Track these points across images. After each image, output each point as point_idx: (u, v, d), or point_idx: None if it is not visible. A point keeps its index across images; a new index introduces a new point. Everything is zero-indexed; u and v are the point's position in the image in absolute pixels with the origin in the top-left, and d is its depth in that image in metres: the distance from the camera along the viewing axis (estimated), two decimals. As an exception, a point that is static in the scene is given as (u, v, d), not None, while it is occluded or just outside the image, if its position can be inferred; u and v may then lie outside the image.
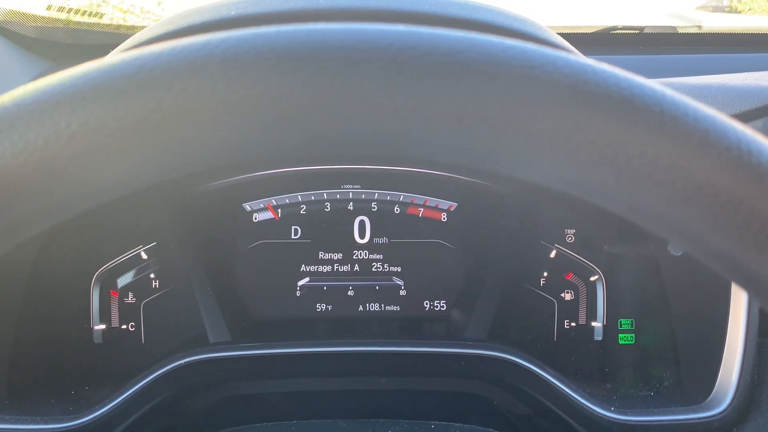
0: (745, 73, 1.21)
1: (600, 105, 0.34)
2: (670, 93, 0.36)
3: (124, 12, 1.76)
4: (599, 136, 0.35)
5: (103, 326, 1.20)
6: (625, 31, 1.69)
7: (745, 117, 1.02)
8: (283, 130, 0.37)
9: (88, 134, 0.35)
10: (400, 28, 0.37)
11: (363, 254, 1.28)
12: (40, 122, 0.34)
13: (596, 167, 0.36)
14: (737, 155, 0.35)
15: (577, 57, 0.37)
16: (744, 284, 0.41)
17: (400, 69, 0.35)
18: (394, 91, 0.34)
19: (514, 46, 0.36)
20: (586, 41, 1.64)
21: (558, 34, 0.88)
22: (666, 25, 1.80)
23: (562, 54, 0.37)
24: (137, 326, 1.22)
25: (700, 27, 1.79)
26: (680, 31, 1.75)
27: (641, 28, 1.70)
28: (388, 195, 1.28)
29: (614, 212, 0.41)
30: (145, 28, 0.86)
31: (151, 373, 0.98)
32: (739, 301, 0.96)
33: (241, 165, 1.14)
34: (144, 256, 1.20)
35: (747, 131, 0.36)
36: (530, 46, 0.37)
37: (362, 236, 1.28)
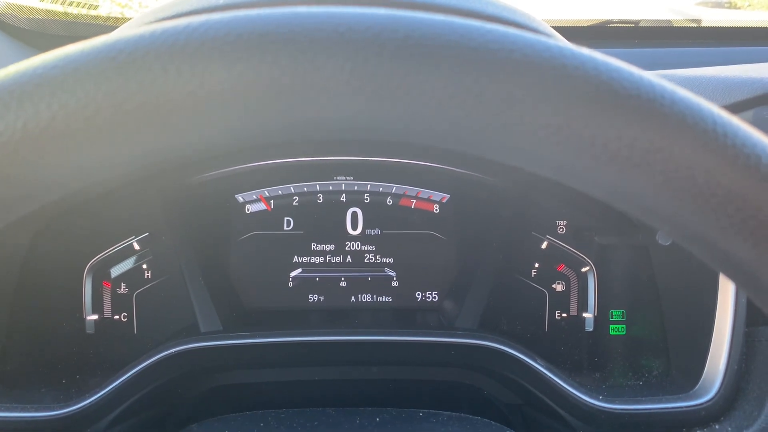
0: (738, 65, 1.22)
1: (577, 88, 0.35)
2: (648, 77, 0.37)
3: (122, 6, 1.75)
4: (576, 118, 0.35)
5: (95, 316, 1.20)
6: (620, 25, 1.69)
7: (735, 108, 1.03)
8: (267, 115, 0.37)
9: (69, 116, 0.35)
10: (383, 11, 0.37)
11: (355, 245, 1.28)
12: (20, 104, 0.34)
13: (574, 150, 0.36)
14: (713, 137, 0.36)
15: (557, 41, 0.37)
16: (722, 269, 0.42)
17: (380, 51, 0.35)
18: (369, 73, 0.35)
19: (493, 29, 0.37)
20: (582, 34, 1.65)
21: (554, 26, 0.88)
22: (662, 18, 1.80)
23: (542, 38, 0.37)
24: (129, 316, 1.22)
25: (696, 21, 1.79)
26: (676, 24, 1.76)
27: (637, 22, 1.70)
28: (381, 186, 1.28)
29: (597, 197, 0.41)
30: (132, 19, 0.86)
31: (143, 362, 0.99)
32: (726, 291, 0.97)
33: (227, 153, 1.14)
34: (136, 246, 1.20)
35: (724, 114, 0.37)
36: (510, 30, 0.37)
37: (355, 227, 1.28)
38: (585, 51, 0.36)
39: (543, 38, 0.37)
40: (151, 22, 0.79)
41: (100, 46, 0.36)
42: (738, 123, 0.36)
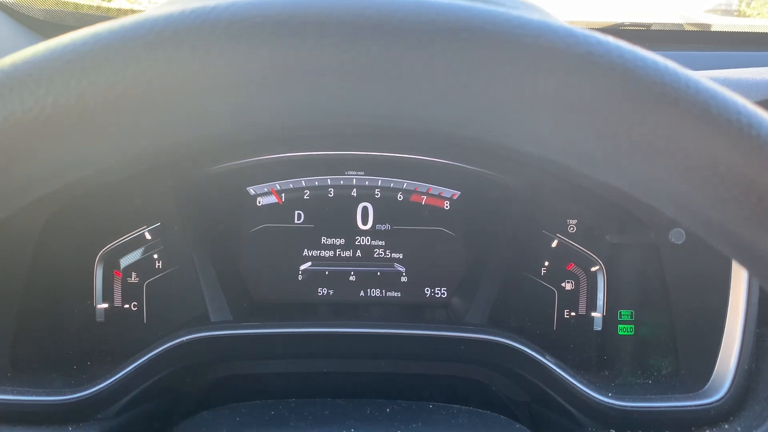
0: (747, 69, 1.21)
1: (602, 74, 0.35)
2: (673, 65, 0.37)
3: (132, 1, 1.77)
4: (601, 104, 0.35)
5: (105, 305, 1.21)
6: (632, 28, 1.69)
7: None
8: (289, 97, 0.37)
9: (99, 93, 0.35)
10: None
11: (365, 240, 1.29)
12: (50, 80, 0.35)
13: (597, 137, 0.37)
14: (737, 127, 0.36)
15: (581, 29, 0.37)
16: (741, 259, 0.42)
17: (409, 37, 0.35)
18: (388, 58, 0.35)
19: (517, 16, 0.37)
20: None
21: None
22: (673, 22, 1.80)
23: (567, 26, 0.37)
24: (139, 306, 1.23)
25: (707, 25, 1.79)
26: (687, 28, 1.75)
27: (648, 25, 1.70)
28: (392, 182, 1.28)
29: (618, 186, 0.41)
30: (153, 6, 0.86)
31: (153, 350, 0.99)
32: (738, 291, 0.97)
33: (248, 145, 1.15)
34: (148, 236, 1.21)
35: (748, 105, 0.37)
36: (534, 17, 0.37)
37: (365, 222, 1.28)
38: (610, 39, 0.37)
39: (569, 26, 0.37)
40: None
41: (129, 25, 0.36)
42: (762, 113, 0.36)
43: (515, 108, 0.36)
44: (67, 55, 0.35)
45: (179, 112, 0.37)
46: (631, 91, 0.35)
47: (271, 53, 0.35)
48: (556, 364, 1.01)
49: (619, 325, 1.22)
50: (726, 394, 0.93)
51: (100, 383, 0.95)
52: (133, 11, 1.71)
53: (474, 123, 0.37)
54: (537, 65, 0.35)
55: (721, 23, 1.77)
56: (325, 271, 1.28)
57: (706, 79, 0.37)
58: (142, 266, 1.23)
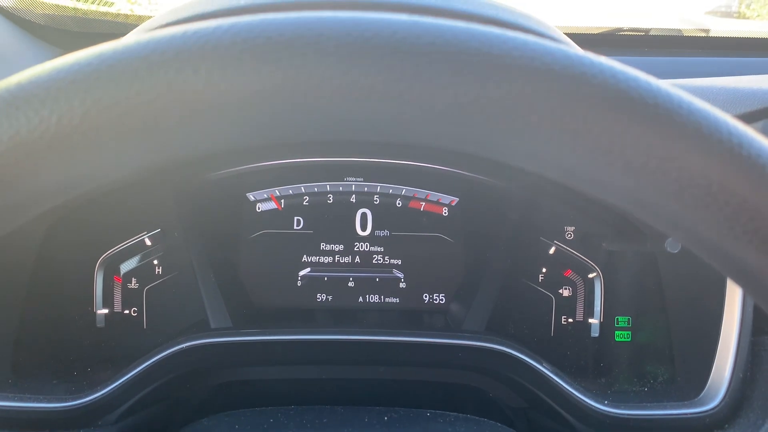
0: (747, 76, 1.22)
1: (596, 95, 0.36)
2: (665, 86, 0.38)
3: (132, 3, 1.77)
4: (594, 125, 0.36)
5: (105, 311, 1.21)
6: (631, 33, 1.69)
7: (744, 119, 1.03)
8: (289, 115, 0.38)
9: (102, 112, 0.36)
10: (406, 17, 0.38)
11: (364, 246, 1.29)
12: (55, 99, 0.36)
13: (591, 156, 0.37)
14: (728, 147, 0.36)
15: (575, 50, 0.38)
16: (733, 275, 0.43)
17: (403, 56, 0.36)
18: (388, 78, 0.36)
19: (515, 38, 0.38)
20: (592, 42, 1.65)
21: (565, 34, 0.89)
22: (672, 27, 1.80)
23: (561, 46, 0.38)
24: (140, 311, 1.23)
25: (706, 30, 1.79)
26: (686, 33, 1.76)
27: (647, 30, 1.71)
28: (391, 188, 1.29)
29: (611, 203, 0.42)
30: (154, 17, 0.87)
31: (153, 357, 1.00)
32: (733, 299, 0.98)
33: (247, 152, 1.16)
34: (148, 242, 1.22)
35: (738, 125, 0.37)
36: (531, 39, 0.38)
37: (364, 228, 1.29)
38: (603, 60, 0.37)
39: (563, 47, 0.38)
40: (175, 22, 0.80)
41: (133, 46, 0.37)
42: (753, 134, 0.37)
43: (508, 127, 0.37)
44: (71, 75, 0.36)
45: (183, 130, 0.37)
46: (623, 111, 0.36)
47: (273, 73, 0.36)
48: (552, 372, 1.01)
49: (616, 332, 1.23)
50: (721, 402, 0.94)
51: (101, 390, 0.96)
52: (133, 13, 1.71)
53: (466, 141, 0.38)
54: (531, 86, 0.36)
55: (720, 28, 1.78)
56: (324, 277, 1.29)
57: (698, 100, 0.38)
58: (142, 272, 1.23)
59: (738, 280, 0.43)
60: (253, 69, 0.36)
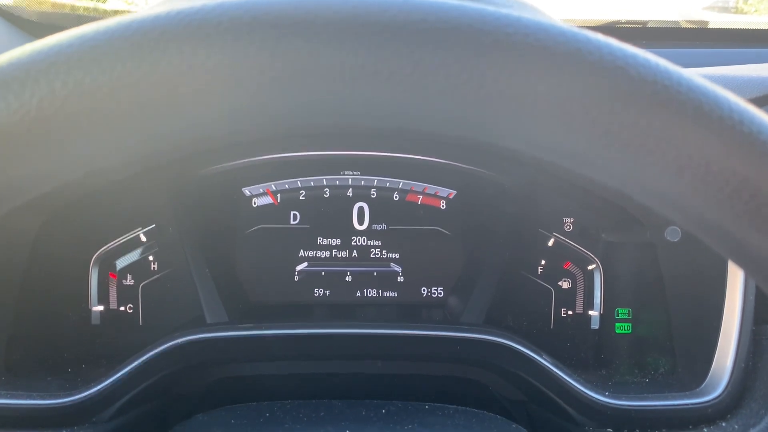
0: (744, 65, 1.21)
1: (593, 73, 0.35)
2: (664, 63, 0.37)
3: (129, 3, 1.76)
4: (592, 103, 0.35)
5: (101, 308, 1.20)
6: (629, 25, 1.68)
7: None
8: (274, 98, 0.37)
9: (84, 95, 0.35)
10: None
11: (361, 240, 1.28)
12: (35, 81, 0.35)
13: (590, 136, 0.36)
14: (730, 125, 0.35)
15: (571, 27, 0.37)
16: (735, 257, 0.42)
17: (394, 35, 0.35)
18: (383, 56, 0.35)
19: (506, 15, 0.36)
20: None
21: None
22: (669, 19, 1.80)
23: (557, 23, 0.37)
24: (135, 308, 1.22)
25: (703, 22, 1.78)
26: (683, 25, 1.75)
27: (645, 23, 1.70)
28: (388, 182, 1.28)
29: (611, 186, 0.41)
30: (146, 6, 0.86)
31: (148, 352, 0.99)
32: (734, 289, 0.97)
33: (235, 146, 1.15)
34: (143, 238, 1.21)
35: (740, 102, 0.36)
36: (524, 15, 0.37)
37: (361, 222, 1.28)
38: (600, 36, 0.36)
39: (558, 24, 0.37)
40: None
41: (116, 26, 0.36)
42: (753, 110, 0.36)
43: (505, 108, 0.36)
44: (52, 56, 0.35)
45: (168, 115, 0.36)
46: (622, 89, 0.35)
47: (259, 54, 0.35)
48: (552, 364, 1.00)
49: (617, 324, 1.22)
50: (723, 392, 0.93)
51: (95, 386, 0.95)
52: (130, 12, 1.70)
53: (462, 123, 0.37)
54: (527, 64, 0.35)
55: (718, 20, 1.77)
56: (321, 271, 1.28)
57: (697, 76, 0.37)
58: (138, 268, 1.22)
59: (738, 261, 0.42)
60: (240, 50, 0.35)
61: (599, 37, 0.36)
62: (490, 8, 0.37)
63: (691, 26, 1.76)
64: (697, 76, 0.37)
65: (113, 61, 0.35)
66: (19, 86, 0.34)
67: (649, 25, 1.70)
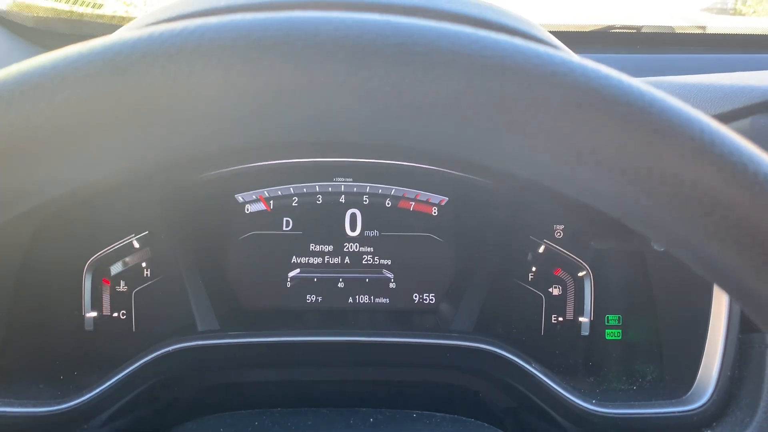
0: (737, 73, 1.21)
1: (566, 94, 0.35)
2: (638, 84, 0.37)
3: (127, 5, 1.76)
4: (564, 124, 0.35)
5: (94, 314, 1.21)
6: (623, 30, 1.69)
7: (733, 115, 1.03)
8: (256, 118, 0.38)
9: (68, 115, 0.36)
10: (378, 17, 0.38)
11: (353, 247, 1.29)
12: (21, 102, 0.35)
13: (562, 156, 0.37)
14: (700, 146, 0.36)
15: (547, 49, 0.38)
16: (710, 276, 0.42)
17: (376, 57, 0.36)
18: (365, 77, 0.35)
19: (485, 37, 0.37)
20: (584, 40, 1.65)
21: (557, 32, 0.88)
22: (663, 24, 1.80)
23: (533, 45, 0.38)
24: (128, 314, 1.23)
25: (698, 27, 1.78)
26: (678, 30, 1.75)
27: (638, 28, 1.70)
28: (380, 188, 1.29)
29: (588, 203, 0.42)
30: (137, 18, 0.86)
31: (140, 360, 0.99)
32: (721, 297, 0.97)
33: (227, 154, 1.15)
34: (136, 244, 1.21)
35: (711, 122, 0.37)
36: (501, 37, 0.38)
37: (353, 229, 1.29)
38: (575, 58, 0.37)
39: (534, 45, 0.37)
40: (153, 24, 0.80)
41: (99, 48, 0.36)
42: (723, 130, 0.37)
43: (481, 128, 0.37)
44: (36, 78, 0.36)
45: (153, 132, 0.37)
46: (593, 111, 0.36)
47: (240, 75, 0.35)
48: (541, 371, 1.01)
49: (607, 330, 1.22)
50: (708, 401, 0.94)
51: (87, 394, 0.95)
52: (128, 15, 1.71)
53: (439, 142, 0.38)
54: (501, 85, 0.35)
55: (715, 24, 1.77)
56: (313, 278, 1.29)
57: (670, 96, 0.37)
58: (131, 274, 1.23)
59: (716, 281, 0.42)
60: (219, 71, 0.35)
61: (574, 58, 0.37)
62: (467, 30, 0.37)
63: (687, 31, 1.76)
64: (671, 97, 0.37)
65: (96, 81, 0.35)
66: (4, 107, 0.35)
67: (643, 30, 1.70)
